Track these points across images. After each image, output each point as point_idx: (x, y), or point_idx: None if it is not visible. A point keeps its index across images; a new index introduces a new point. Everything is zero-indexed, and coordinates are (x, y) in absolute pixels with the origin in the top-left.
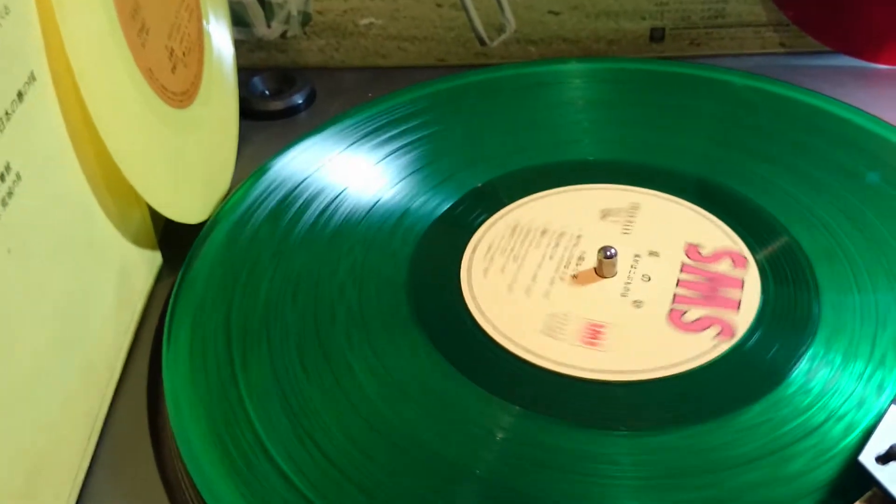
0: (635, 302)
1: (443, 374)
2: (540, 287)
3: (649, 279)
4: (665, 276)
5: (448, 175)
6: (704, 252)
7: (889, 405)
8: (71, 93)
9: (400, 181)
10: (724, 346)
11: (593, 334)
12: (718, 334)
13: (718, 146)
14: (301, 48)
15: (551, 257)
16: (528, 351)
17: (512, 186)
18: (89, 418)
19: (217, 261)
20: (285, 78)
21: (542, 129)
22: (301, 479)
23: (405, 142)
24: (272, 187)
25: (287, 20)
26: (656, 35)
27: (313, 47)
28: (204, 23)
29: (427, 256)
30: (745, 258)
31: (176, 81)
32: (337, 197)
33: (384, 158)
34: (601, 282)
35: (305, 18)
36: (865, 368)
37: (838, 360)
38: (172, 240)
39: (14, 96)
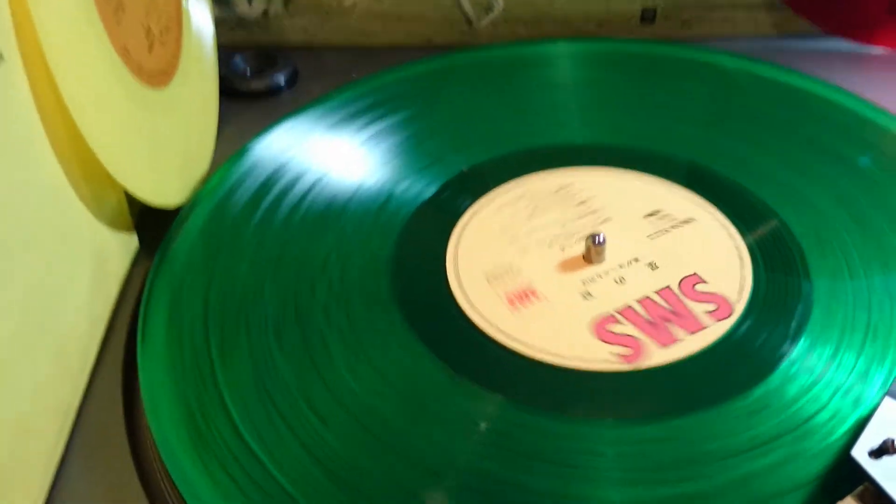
0: (587, 293)
1: (415, 357)
2: (526, 241)
3: (622, 282)
4: (638, 288)
5: (435, 158)
6: (700, 288)
7: (882, 398)
8: (42, 73)
9: (384, 163)
10: (625, 368)
11: (522, 298)
12: (619, 354)
13: (709, 128)
14: (283, 27)
15: (563, 225)
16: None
17: (500, 169)
18: (62, 408)
19: (195, 243)
20: (267, 57)
21: (530, 112)
22: (275, 466)
23: (389, 123)
24: (253, 169)
25: None
26: (647, 16)
27: (296, 26)
28: (183, 0)
29: (411, 240)
30: (732, 309)
31: (153, 61)
32: (319, 179)
33: (368, 140)
34: (582, 265)
35: None
36: (857, 360)
37: (829, 350)
38: (149, 222)
39: None
